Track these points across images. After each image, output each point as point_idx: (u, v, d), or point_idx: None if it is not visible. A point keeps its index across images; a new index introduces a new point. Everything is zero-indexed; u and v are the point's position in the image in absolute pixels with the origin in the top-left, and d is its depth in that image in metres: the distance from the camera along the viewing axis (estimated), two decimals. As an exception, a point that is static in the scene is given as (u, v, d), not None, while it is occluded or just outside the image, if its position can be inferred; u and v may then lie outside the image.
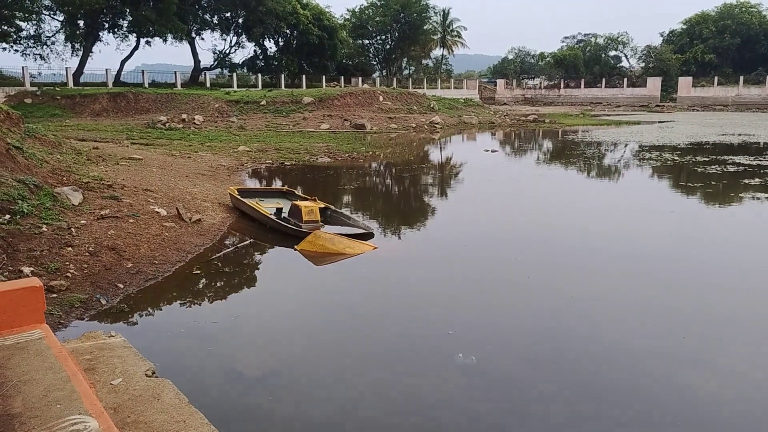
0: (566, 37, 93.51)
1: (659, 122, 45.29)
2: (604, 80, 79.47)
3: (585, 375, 5.45)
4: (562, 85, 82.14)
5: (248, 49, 58.74)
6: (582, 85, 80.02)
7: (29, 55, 42.93)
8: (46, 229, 8.17)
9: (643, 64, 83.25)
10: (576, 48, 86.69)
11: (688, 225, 11.88)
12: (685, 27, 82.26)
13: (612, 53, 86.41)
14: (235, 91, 41.58)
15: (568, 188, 16.56)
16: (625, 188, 16.95)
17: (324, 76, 56.43)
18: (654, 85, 74.69)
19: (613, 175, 19.22)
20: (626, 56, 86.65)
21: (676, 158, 22.30)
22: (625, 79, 79.30)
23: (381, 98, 40.11)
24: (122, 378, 3.66)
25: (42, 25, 43.16)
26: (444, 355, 5.73)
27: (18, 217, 8.16)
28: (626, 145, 28.09)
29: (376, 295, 7.65)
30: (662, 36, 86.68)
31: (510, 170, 20.22)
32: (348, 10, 69.00)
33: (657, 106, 69.09)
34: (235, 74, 53.35)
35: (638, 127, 39.87)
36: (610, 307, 7.09)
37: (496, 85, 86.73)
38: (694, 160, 21.77)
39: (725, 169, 18.84)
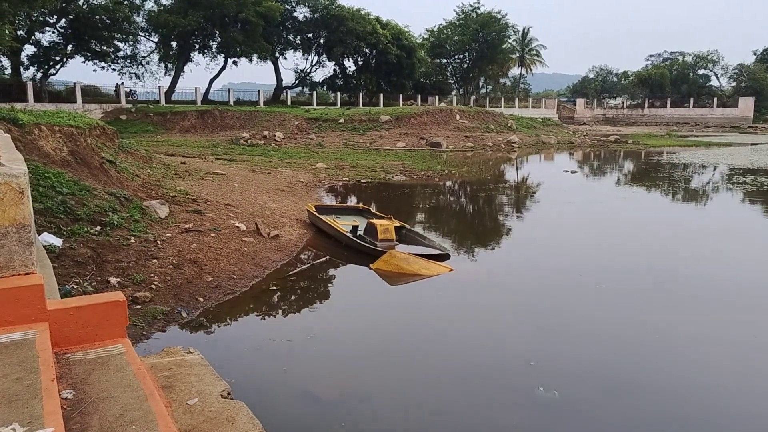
0: (651, 56, 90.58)
1: (752, 144, 42.77)
2: (692, 99, 75.99)
3: (680, 415, 5.02)
4: (646, 105, 79.14)
5: (328, 68, 60.23)
6: (668, 105, 76.82)
7: (125, 73, 45.61)
8: (134, 241, 8.45)
9: (734, 84, 79.18)
10: (662, 66, 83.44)
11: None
12: (780, 44, 77.86)
13: (701, 72, 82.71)
14: (314, 109, 42.49)
15: (654, 213, 15.72)
16: (715, 213, 15.94)
17: (401, 95, 56.92)
18: (746, 105, 70.82)
19: (702, 198, 18.15)
20: (716, 75, 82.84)
21: (775, 183, 20.87)
22: (715, 99, 75.59)
23: (458, 117, 39.89)
24: (198, 398, 3.63)
25: (138, 46, 45.92)
26: (525, 387, 5.44)
27: (108, 228, 8.50)
28: (716, 168, 26.60)
29: (453, 320, 7.39)
30: (755, 54, 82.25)
31: (591, 192, 19.51)
32: (426, 29, 69.46)
33: (749, 127, 65.45)
34: (315, 92, 54.67)
35: (729, 149, 37.78)
36: (704, 340, 6.57)
37: (575, 105, 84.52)
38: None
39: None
